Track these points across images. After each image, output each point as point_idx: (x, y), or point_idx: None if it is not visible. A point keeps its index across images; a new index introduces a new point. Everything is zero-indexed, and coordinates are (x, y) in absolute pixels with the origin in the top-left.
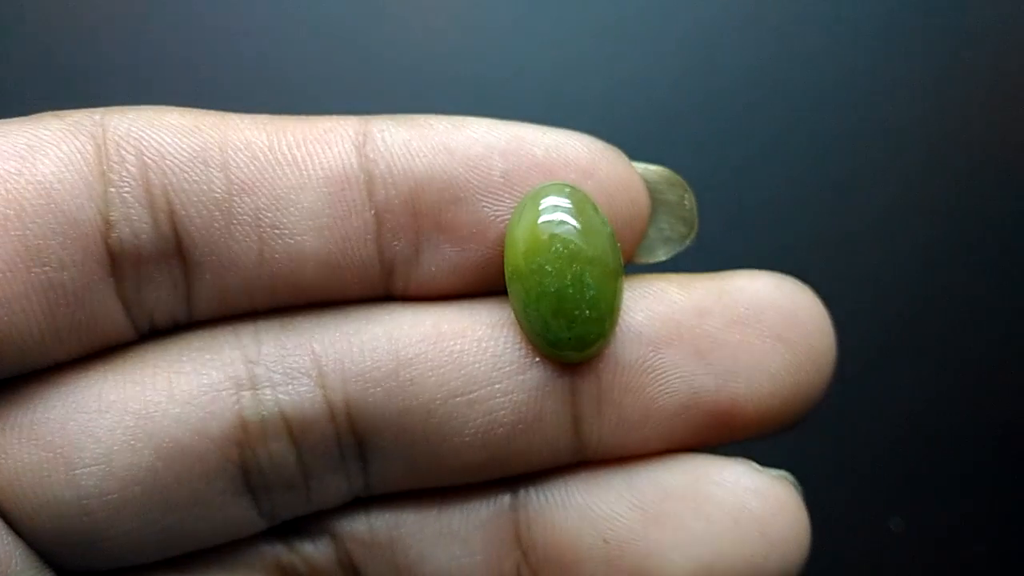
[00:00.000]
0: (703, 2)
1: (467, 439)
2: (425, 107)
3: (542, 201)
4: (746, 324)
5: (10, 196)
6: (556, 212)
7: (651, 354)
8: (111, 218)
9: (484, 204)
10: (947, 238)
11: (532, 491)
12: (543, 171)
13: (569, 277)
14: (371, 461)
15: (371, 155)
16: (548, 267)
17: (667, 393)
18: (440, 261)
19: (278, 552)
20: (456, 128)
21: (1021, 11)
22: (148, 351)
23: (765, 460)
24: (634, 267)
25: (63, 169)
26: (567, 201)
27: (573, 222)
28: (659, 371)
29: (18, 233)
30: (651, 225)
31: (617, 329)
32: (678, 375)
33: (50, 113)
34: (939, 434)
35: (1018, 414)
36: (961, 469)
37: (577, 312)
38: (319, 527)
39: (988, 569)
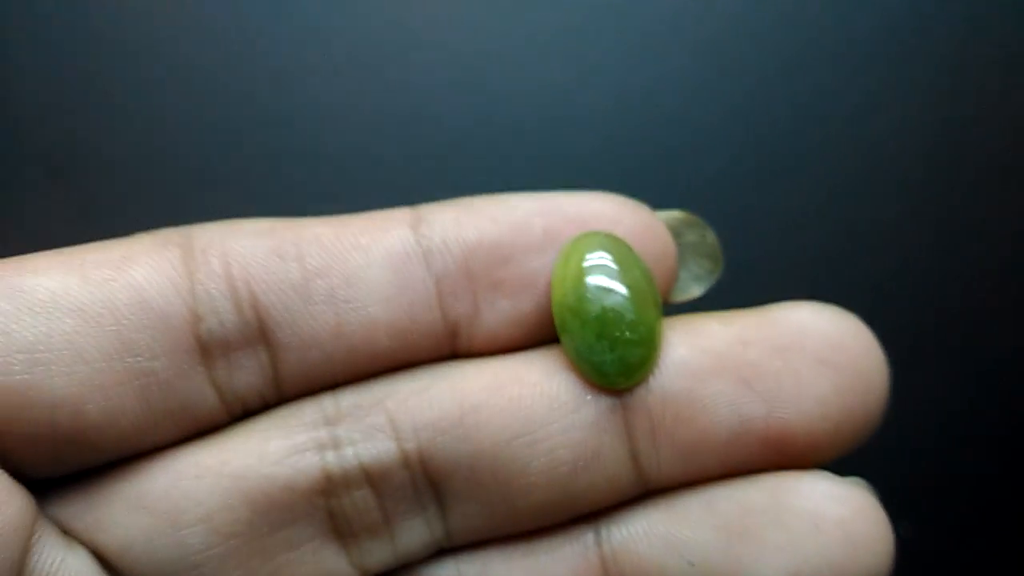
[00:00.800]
0: (711, 15)
1: (533, 479)
2: (438, 132)
3: (581, 246)
4: (789, 351)
5: (105, 297)
6: (594, 252)
7: (697, 385)
8: (199, 311)
9: (530, 259)
10: (954, 244)
11: (613, 526)
12: (576, 224)
13: (608, 302)
14: (448, 507)
15: (426, 232)
16: (589, 296)
17: (717, 422)
18: (498, 315)
19: None
20: (496, 202)
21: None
22: (239, 426)
23: None
24: (673, 308)
25: (153, 273)
26: (603, 243)
27: (610, 259)
28: (707, 400)
29: (113, 328)
30: (681, 268)
31: (663, 363)
32: (726, 404)
33: (141, 234)
34: (948, 439)
35: None
36: (970, 474)
37: (618, 334)
38: None
39: (997, 574)
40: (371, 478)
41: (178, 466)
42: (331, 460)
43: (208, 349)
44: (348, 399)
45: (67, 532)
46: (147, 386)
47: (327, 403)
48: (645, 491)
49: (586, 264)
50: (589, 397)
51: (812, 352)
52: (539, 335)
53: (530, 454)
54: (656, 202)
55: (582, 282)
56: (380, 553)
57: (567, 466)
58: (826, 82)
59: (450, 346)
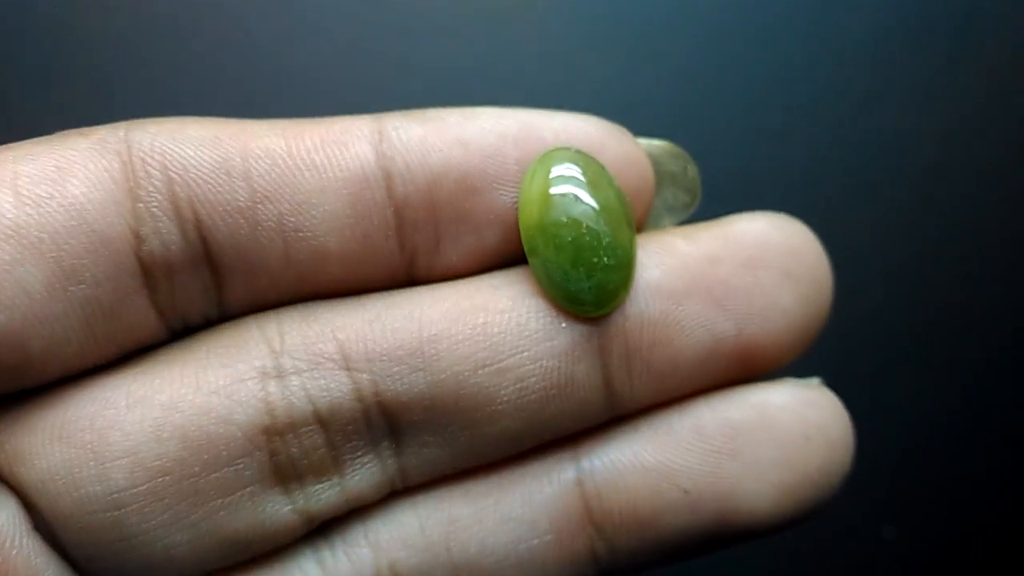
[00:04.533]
0: (710, 5)
1: (500, 407)
2: (432, 100)
3: (550, 163)
4: (755, 266)
5: (44, 220)
6: (565, 170)
7: (673, 307)
8: (141, 233)
9: (500, 192)
10: (947, 243)
11: (596, 459)
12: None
13: (585, 225)
14: (404, 442)
15: (388, 153)
16: (563, 219)
17: (692, 343)
18: (460, 249)
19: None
20: (468, 120)
21: None
22: (176, 349)
23: None
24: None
25: (92, 189)
26: (574, 161)
27: (581, 177)
28: (682, 322)
29: (53, 255)
30: (656, 196)
31: (637, 285)
32: (700, 324)
33: (75, 132)
34: (932, 442)
35: (1012, 422)
36: (954, 477)
37: (596, 260)
38: (359, 538)
39: None
40: (320, 415)
41: (107, 394)
42: (274, 391)
43: (150, 271)
44: (294, 325)
45: None
46: (91, 314)
47: (271, 328)
48: (614, 415)
49: (555, 182)
50: (564, 325)
51: (777, 265)
52: (504, 266)
53: (498, 383)
54: (639, 131)
55: (552, 201)
56: (328, 497)
57: (537, 394)
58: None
59: (406, 274)
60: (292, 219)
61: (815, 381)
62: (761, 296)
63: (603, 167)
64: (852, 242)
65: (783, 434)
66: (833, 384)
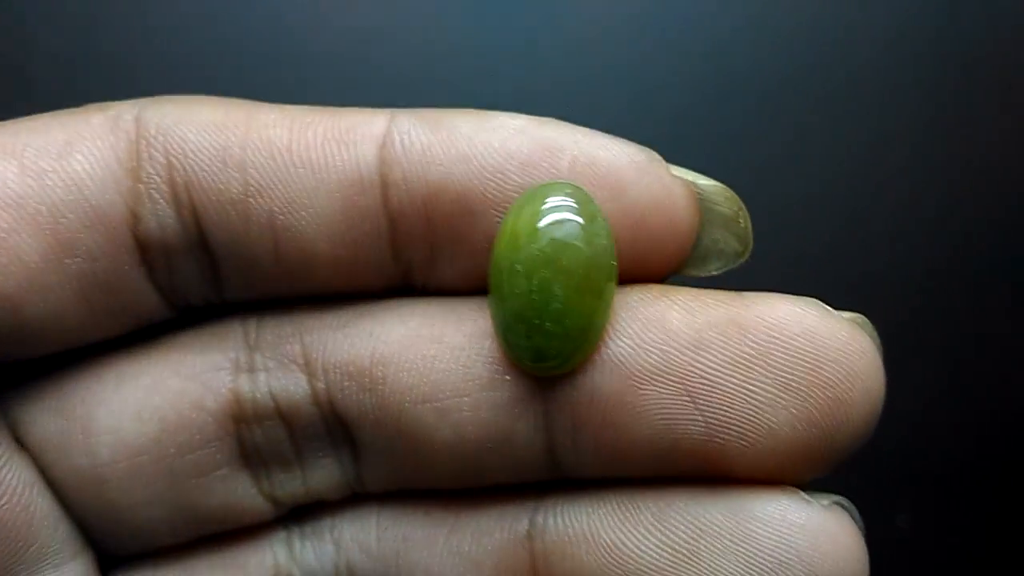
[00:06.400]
0: (714, 7)
1: (438, 447)
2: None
3: (537, 203)
4: (749, 366)
5: (43, 192)
6: (549, 214)
7: (632, 389)
8: (138, 212)
9: (497, 218)
10: (955, 238)
11: (552, 518)
12: (564, 179)
13: (536, 281)
14: (361, 453)
15: (388, 160)
16: (519, 267)
17: (648, 434)
18: (456, 267)
19: (280, 558)
20: (480, 132)
21: None
22: (169, 333)
23: None
24: (681, 279)
25: (94, 166)
26: (566, 203)
27: (560, 227)
28: (639, 408)
29: (50, 227)
30: (705, 236)
31: (603, 352)
32: (660, 416)
33: (95, 106)
34: (946, 431)
35: None
36: (968, 465)
37: (537, 322)
38: (325, 532)
39: (995, 565)
40: (280, 410)
41: (102, 372)
42: (243, 384)
43: (147, 249)
44: (272, 323)
45: None
46: (87, 287)
47: (251, 322)
48: (566, 478)
49: (529, 226)
50: (508, 377)
51: (776, 371)
52: None
53: (437, 422)
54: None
55: (519, 245)
56: (291, 486)
57: (473, 444)
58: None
59: (403, 282)
60: (282, 217)
61: (834, 499)
62: (745, 405)
63: (598, 217)
64: (866, 229)
65: (751, 550)
66: None
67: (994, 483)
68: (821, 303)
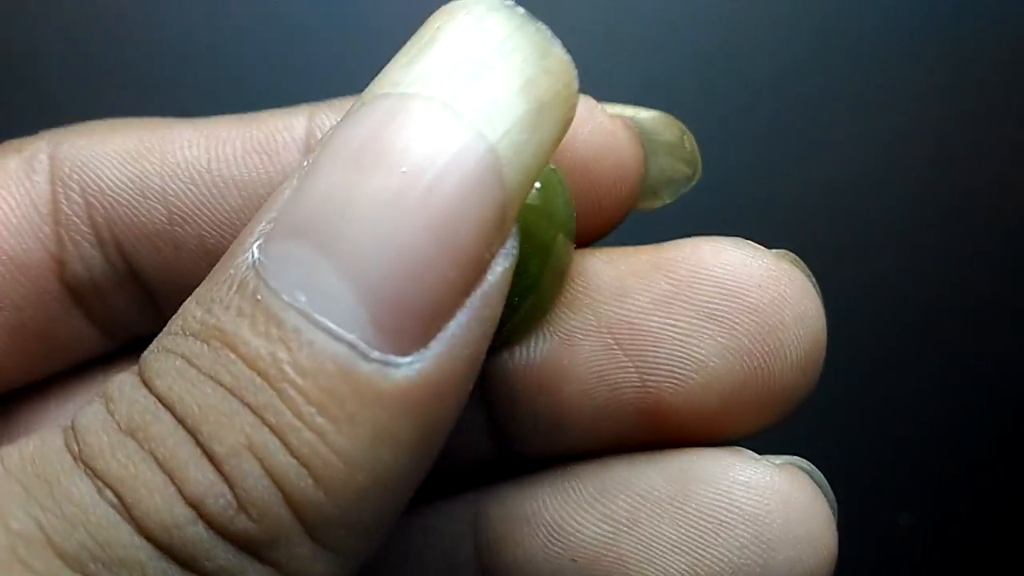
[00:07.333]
0: (713, 5)
1: None
2: None
3: None
4: (671, 303)
5: None
6: None
7: (563, 348)
8: (63, 258)
9: None
10: (957, 236)
11: (495, 505)
12: None
13: None
14: None
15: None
16: None
17: (581, 391)
18: None
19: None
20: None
21: None
22: None
23: (773, 452)
24: (638, 214)
25: (10, 216)
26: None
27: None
28: (571, 368)
29: None
30: (652, 166)
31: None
32: (592, 372)
33: (9, 146)
34: (949, 429)
35: None
36: (971, 464)
37: None
38: None
39: (998, 564)
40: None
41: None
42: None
43: (77, 292)
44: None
45: None
46: (18, 337)
47: None
48: (510, 456)
49: None
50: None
51: (698, 304)
52: None
53: None
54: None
55: None
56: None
57: None
58: (831, 73)
59: None
60: (213, 240)
61: (786, 459)
62: (670, 342)
63: (560, 181)
64: (869, 227)
65: (692, 514)
66: (849, 372)
67: (996, 482)
68: (747, 241)
